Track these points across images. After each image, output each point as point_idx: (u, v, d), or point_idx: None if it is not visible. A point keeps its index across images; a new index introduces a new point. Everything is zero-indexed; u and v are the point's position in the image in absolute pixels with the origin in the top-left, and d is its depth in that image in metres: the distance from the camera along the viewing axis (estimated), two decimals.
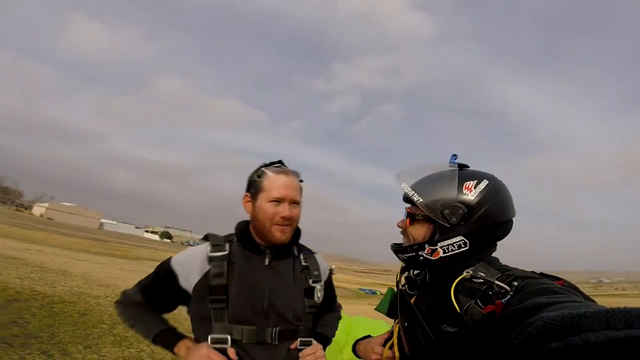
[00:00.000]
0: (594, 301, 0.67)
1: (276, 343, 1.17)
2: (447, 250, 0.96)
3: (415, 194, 1.00)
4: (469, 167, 1.05)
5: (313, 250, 1.40)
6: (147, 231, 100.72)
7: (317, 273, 1.31)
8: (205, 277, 1.18)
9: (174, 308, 1.30)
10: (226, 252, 1.21)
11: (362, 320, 3.68)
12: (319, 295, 1.27)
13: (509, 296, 0.78)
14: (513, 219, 1.01)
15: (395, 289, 1.18)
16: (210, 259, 1.20)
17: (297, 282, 1.27)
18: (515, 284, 0.79)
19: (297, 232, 1.31)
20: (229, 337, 1.13)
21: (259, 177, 1.25)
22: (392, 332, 1.15)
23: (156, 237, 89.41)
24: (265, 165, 1.29)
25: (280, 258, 1.28)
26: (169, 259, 1.28)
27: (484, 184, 0.96)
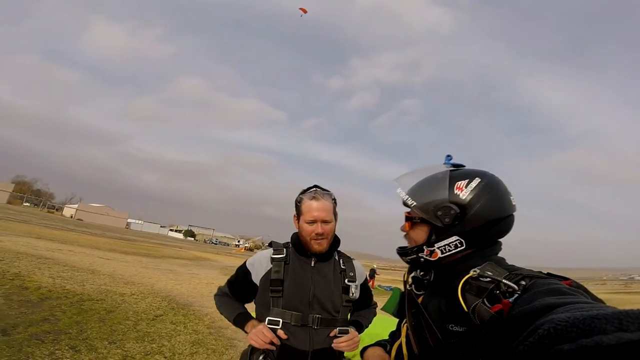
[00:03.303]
0: (602, 302, 0.65)
1: (316, 327, 1.49)
2: (444, 251, 0.97)
3: (410, 198, 1.02)
4: (464, 166, 1.04)
5: (352, 258, 1.73)
6: (171, 230, 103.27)
7: (352, 274, 1.63)
8: (268, 273, 1.56)
9: (252, 299, 1.66)
10: (284, 255, 1.59)
11: (379, 317, 3.67)
12: (353, 292, 1.59)
13: (516, 295, 0.76)
14: (514, 214, 0.97)
15: (403, 289, 1.19)
16: (272, 260, 1.58)
17: (336, 280, 1.60)
18: (523, 283, 0.78)
19: (336, 241, 1.66)
20: (281, 320, 1.48)
21: (299, 202, 1.62)
22: (400, 332, 1.16)
23: (180, 236, 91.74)
24: (304, 191, 1.64)
25: (323, 261, 1.62)
26: (245, 261, 1.68)
27: (475, 182, 0.95)
